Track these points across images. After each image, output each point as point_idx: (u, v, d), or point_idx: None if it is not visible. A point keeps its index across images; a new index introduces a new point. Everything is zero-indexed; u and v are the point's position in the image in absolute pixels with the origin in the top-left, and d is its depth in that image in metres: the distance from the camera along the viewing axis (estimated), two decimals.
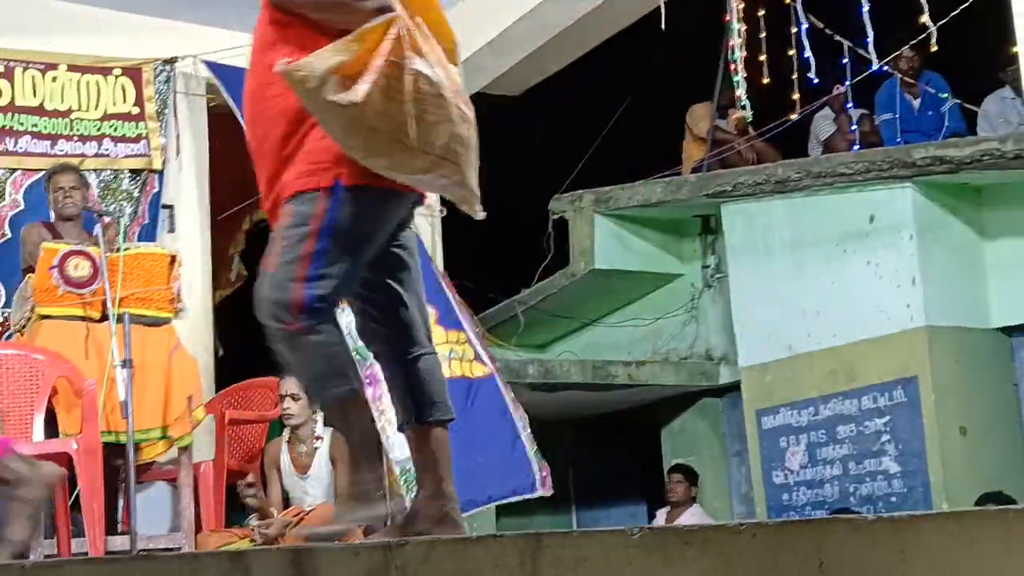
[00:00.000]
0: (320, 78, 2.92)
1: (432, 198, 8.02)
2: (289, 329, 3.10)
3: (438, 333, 6.14)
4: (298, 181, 3.11)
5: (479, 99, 8.30)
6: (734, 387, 8.62)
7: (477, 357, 6.26)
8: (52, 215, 6.15)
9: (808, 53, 7.32)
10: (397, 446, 5.72)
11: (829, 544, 2.51)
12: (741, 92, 7.54)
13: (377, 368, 5.74)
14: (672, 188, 8.64)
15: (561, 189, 9.28)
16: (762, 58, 7.63)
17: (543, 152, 10.79)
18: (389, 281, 3.28)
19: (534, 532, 2.36)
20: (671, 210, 8.81)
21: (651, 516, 9.92)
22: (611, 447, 10.42)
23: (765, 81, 7.60)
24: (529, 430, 6.26)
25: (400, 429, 3.38)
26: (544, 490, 6.17)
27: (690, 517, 8.25)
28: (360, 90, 2.91)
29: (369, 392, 5.76)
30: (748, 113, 7.96)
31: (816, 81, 7.42)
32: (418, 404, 3.31)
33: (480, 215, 3.20)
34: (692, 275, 9.24)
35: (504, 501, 6.11)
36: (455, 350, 6.19)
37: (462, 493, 5.67)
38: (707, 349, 9.13)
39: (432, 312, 6.22)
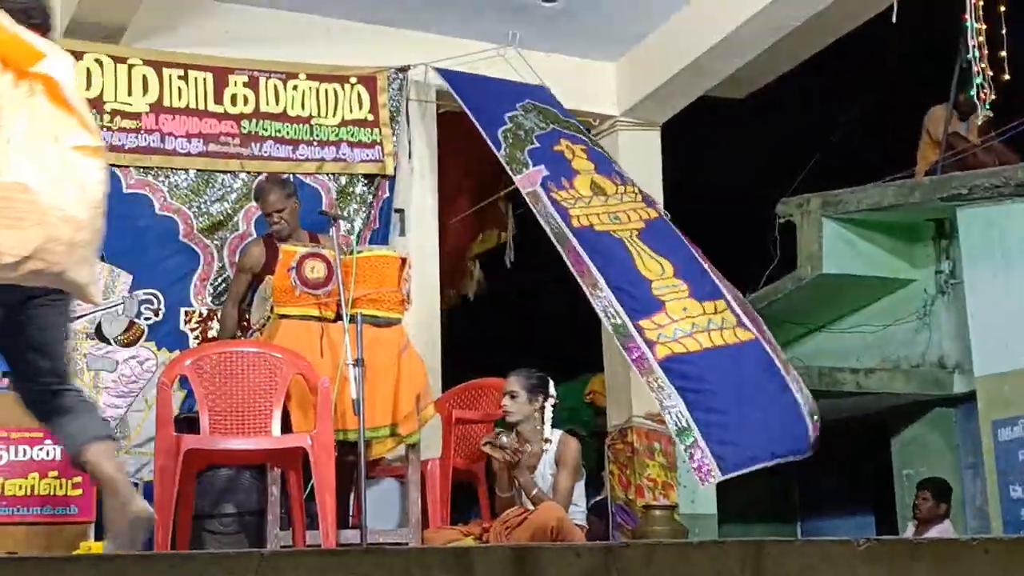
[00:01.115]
0: None
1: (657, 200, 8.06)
2: None
3: (693, 306, 6.18)
4: None
5: (705, 102, 8.30)
6: (968, 397, 8.33)
7: (739, 323, 6.22)
8: None
9: None
10: (671, 409, 5.76)
11: None
12: (977, 93, 7.25)
13: (643, 346, 5.85)
14: (905, 191, 8.42)
15: (788, 192, 9.14)
16: (1002, 54, 7.34)
17: (770, 154, 10.65)
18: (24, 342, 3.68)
19: (756, 539, 2.35)
20: (903, 214, 8.57)
21: (879, 528, 9.68)
22: (838, 456, 10.18)
23: (1006, 78, 7.31)
24: (805, 390, 6.16)
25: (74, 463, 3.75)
26: (812, 450, 6.04)
27: (936, 536, 7.97)
28: None
29: (635, 368, 5.88)
30: (988, 113, 7.67)
31: None
32: (80, 431, 3.68)
33: (97, 301, 3.81)
34: (924, 280, 8.99)
35: (783, 460, 5.95)
36: (713, 320, 6.17)
37: (748, 449, 5.71)
38: (940, 357, 8.85)
39: (684, 287, 6.25)
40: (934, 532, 8.05)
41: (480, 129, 7.05)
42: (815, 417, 6.05)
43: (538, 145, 6.97)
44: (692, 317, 6.12)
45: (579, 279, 6.25)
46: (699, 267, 6.46)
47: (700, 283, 6.35)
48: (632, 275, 6.28)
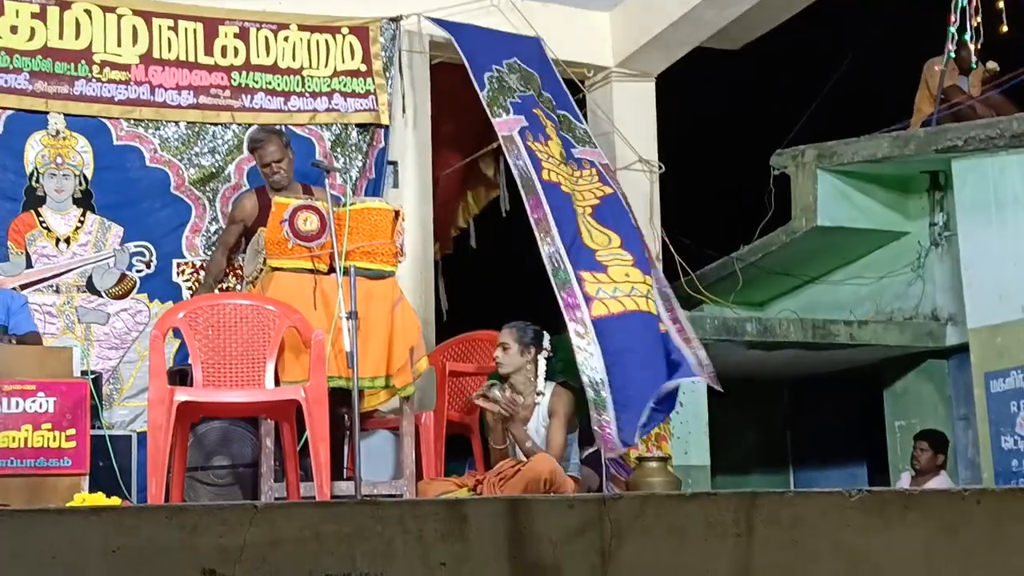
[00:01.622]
0: None
1: (651, 155, 8.05)
2: None
3: (635, 273, 6.31)
4: None
5: (700, 53, 8.25)
6: (961, 348, 8.35)
7: (657, 302, 6.37)
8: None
9: None
10: (589, 368, 5.83)
11: None
12: (971, 46, 7.22)
13: (577, 290, 5.96)
14: (900, 143, 8.39)
15: (783, 144, 9.10)
16: (1000, 5, 7.30)
17: (764, 106, 10.60)
18: None
19: (749, 491, 2.35)
20: (898, 166, 8.55)
21: (871, 478, 9.72)
22: (830, 408, 10.23)
23: (1004, 29, 7.27)
24: (689, 333, 6.30)
25: None
26: (705, 376, 6.09)
27: (933, 487, 7.99)
28: None
29: (565, 314, 5.96)
30: (994, 66, 7.65)
31: None
32: None
33: None
34: (918, 233, 8.98)
35: (665, 391, 6.00)
36: (638, 288, 6.28)
37: (635, 416, 5.81)
38: (933, 309, 8.87)
39: (629, 257, 6.37)
40: (932, 483, 8.07)
41: (469, 70, 7.05)
42: (705, 365, 6.15)
43: (519, 101, 7.00)
44: (633, 282, 6.22)
45: (534, 225, 6.32)
46: (641, 246, 6.59)
47: (641, 258, 6.47)
48: (579, 243, 6.37)
